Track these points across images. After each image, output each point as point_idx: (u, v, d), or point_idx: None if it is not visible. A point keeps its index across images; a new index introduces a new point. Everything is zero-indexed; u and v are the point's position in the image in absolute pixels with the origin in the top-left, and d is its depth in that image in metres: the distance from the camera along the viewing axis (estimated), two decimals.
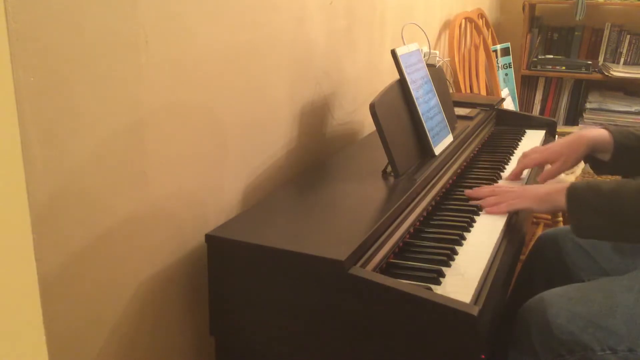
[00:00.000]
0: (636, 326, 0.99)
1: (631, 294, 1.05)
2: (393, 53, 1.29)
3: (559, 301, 1.05)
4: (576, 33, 3.47)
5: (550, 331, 1.01)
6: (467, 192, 1.27)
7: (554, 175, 1.36)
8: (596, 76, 3.30)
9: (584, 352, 0.99)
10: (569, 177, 2.39)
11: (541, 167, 1.45)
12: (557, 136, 1.93)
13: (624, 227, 1.06)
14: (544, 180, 1.36)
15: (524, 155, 1.41)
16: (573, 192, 1.11)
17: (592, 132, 1.34)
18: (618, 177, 1.41)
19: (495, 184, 1.30)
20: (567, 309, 1.03)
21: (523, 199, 1.19)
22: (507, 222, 1.18)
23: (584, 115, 3.38)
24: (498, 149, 1.63)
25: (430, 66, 1.51)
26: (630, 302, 1.03)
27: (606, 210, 1.07)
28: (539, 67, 3.39)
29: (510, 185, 1.33)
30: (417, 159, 1.29)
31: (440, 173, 1.32)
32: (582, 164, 2.43)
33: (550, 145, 1.40)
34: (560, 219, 2.43)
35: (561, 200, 1.11)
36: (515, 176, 1.40)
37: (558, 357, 1.01)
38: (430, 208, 1.21)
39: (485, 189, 1.26)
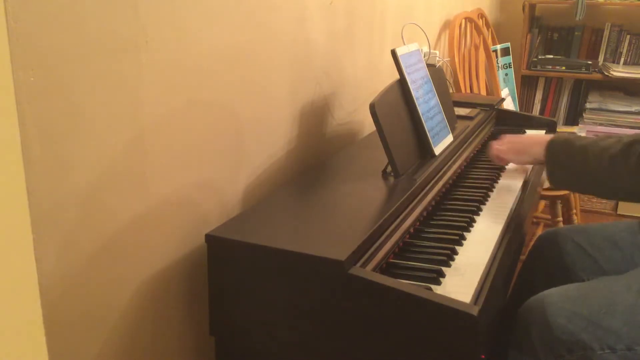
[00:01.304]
0: (635, 325, 0.99)
1: (630, 293, 1.05)
2: (393, 53, 1.29)
3: (558, 301, 1.05)
4: (576, 33, 3.46)
5: (550, 331, 1.02)
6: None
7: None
8: (596, 76, 3.29)
9: (584, 352, 0.99)
10: None
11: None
12: None
13: (589, 183, 1.18)
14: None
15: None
16: (550, 145, 1.23)
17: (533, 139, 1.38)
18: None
19: (498, 140, 1.42)
20: (566, 308, 1.03)
21: (507, 153, 1.36)
22: (507, 222, 1.18)
23: (584, 115, 3.38)
24: None
25: (430, 66, 1.51)
26: (629, 302, 1.03)
27: (574, 166, 1.18)
28: (539, 67, 3.39)
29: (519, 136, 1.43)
30: (417, 159, 1.29)
31: (440, 173, 1.32)
32: None
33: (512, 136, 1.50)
34: (560, 218, 2.43)
35: (539, 152, 1.24)
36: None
37: (558, 356, 1.01)
38: (430, 208, 1.21)
39: (494, 145, 1.40)
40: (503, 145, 1.39)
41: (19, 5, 0.67)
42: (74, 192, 0.78)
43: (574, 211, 2.49)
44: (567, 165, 1.20)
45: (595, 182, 1.16)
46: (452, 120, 1.58)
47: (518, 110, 3.27)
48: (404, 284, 0.86)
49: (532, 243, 1.47)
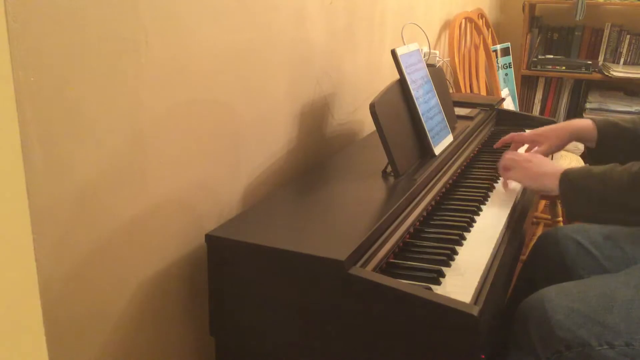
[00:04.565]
0: (634, 321, 0.99)
1: (628, 289, 1.05)
2: (393, 53, 1.29)
3: (556, 297, 1.05)
4: (576, 33, 3.46)
5: (549, 327, 1.02)
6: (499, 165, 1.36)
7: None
8: (596, 76, 3.29)
9: (582, 348, 0.99)
10: (562, 160, 2.40)
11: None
12: None
13: (612, 210, 1.12)
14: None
15: (517, 134, 1.53)
16: (565, 176, 1.18)
17: (577, 122, 1.45)
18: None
19: (513, 152, 1.38)
20: (565, 305, 1.03)
21: (518, 173, 1.29)
22: (507, 222, 1.18)
23: (584, 115, 3.37)
24: (498, 149, 1.63)
25: (430, 66, 1.51)
26: (627, 298, 1.03)
27: (593, 194, 1.12)
28: (539, 67, 3.39)
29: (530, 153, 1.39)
30: (417, 159, 1.29)
31: (440, 173, 1.32)
32: (581, 163, 2.45)
33: (539, 129, 1.51)
34: (560, 218, 2.43)
35: (553, 183, 1.19)
36: (502, 143, 1.54)
37: (556, 352, 1.01)
38: (430, 208, 1.21)
39: (506, 156, 1.35)
40: (516, 164, 1.31)
41: (19, 5, 0.67)
42: (73, 192, 0.78)
43: None
44: (584, 193, 1.13)
45: (617, 208, 1.10)
46: (452, 120, 1.58)
47: (518, 110, 3.27)
48: (404, 284, 0.86)
49: (532, 243, 1.47)
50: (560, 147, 1.47)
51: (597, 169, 1.15)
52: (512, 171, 1.30)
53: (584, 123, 1.43)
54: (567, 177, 1.17)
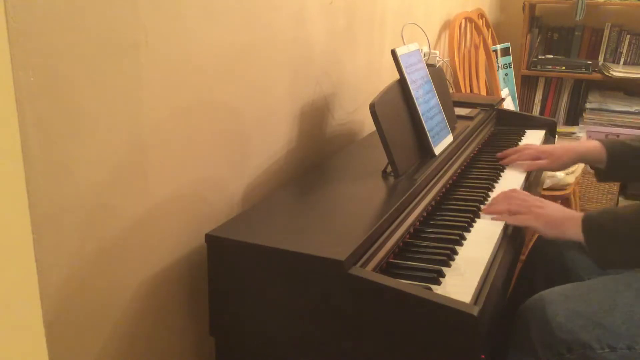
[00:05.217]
0: (635, 324, 0.99)
1: (630, 292, 1.05)
2: (393, 53, 1.29)
3: (558, 300, 1.05)
4: (576, 33, 3.46)
5: (550, 330, 1.02)
6: (484, 209, 1.21)
7: (536, 167, 1.50)
8: (596, 76, 3.29)
9: (583, 350, 0.99)
10: (568, 177, 2.39)
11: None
12: (557, 136, 1.93)
13: None
14: (527, 169, 1.48)
15: (523, 147, 1.54)
16: (588, 220, 1.09)
17: (585, 144, 1.46)
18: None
19: (512, 189, 1.26)
20: (566, 307, 1.03)
21: (533, 218, 1.16)
22: (506, 223, 1.18)
23: (584, 115, 3.38)
24: (498, 149, 1.63)
25: (430, 66, 1.51)
26: (629, 300, 1.03)
27: (623, 239, 1.05)
28: (539, 67, 3.39)
29: (526, 194, 1.26)
30: (417, 159, 1.29)
31: (440, 173, 1.32)
32: (581, 165, 2.45)
33: (547, 146, 1.53)
34: None
35: (575, 231, 1.10)
36: (504, 155, 1.53)
37: (557, 355, 1.01)
38: (430, 208, 1.21)
39: (500, 199, 1.22)
40: (527, 210, 1.18)
41: (19, 5, 0.67)
42: (73, 192, 0.78)
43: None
44: (614, 237, 1.07)
45: None
46: (452, 120, 1.58)
47: (518, 110, 3.27)
48: (404, 284, 0.86)
49: (532, 243, 1.47)
50: (563, 167, 1.49)
51: (621, 210, 1.09)
52: (524, 216, 1.17)
53: (592, 144, 1.44)
54: (593, 223, 1.09)
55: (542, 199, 1.22)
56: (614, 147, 1.41)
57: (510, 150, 1.55)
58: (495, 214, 1.19)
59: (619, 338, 0.98)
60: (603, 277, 1.19)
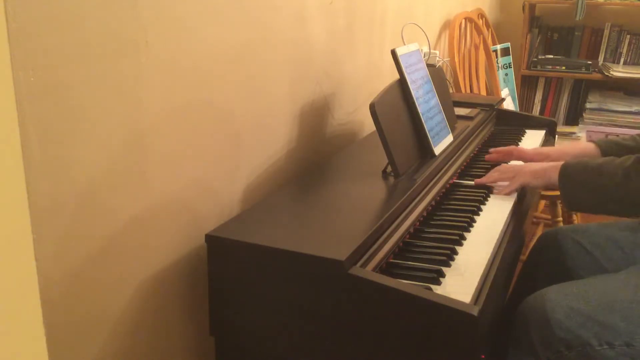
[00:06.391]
0: (634, 321, 1.00)
1: (629, 289, 1.05)
2: (393, 53, 1.29)
3: (557, 297, 1.05)
4: (576, 33, 3.46)
5: (549, 327, 1.02)
6: (477, 180, 1.36)
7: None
8: (596, 76, 3.29)
9: (582, 348, 0.99)
10: None
11: None
12: (557, 136, 1.93)
13: (607, 201, 1.17)
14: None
15: (517, 148, 1.55)
16: (564, 168, 1.23)
17: (579, 145, 1.52)
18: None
19: (502, 164, 1.40)
20: (565, 305, 1.03)
21: (522, 175, 1.31)
22: (507, 222, 1.18)
23: (584, 115, 3.37)
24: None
25: (430, 66, 1.51)
26: (627, 297, 1.03)
27: (590, 185, 1.18)
28: (539, 67, 3.39)
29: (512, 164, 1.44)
30: (417, 159, 1.29)
31: (440, 173, 1.32)
32: None
33: (542, 148, 1.56)
34: (560, 218, 2.43)
35: (554, 176, 1.24)
36: (497, 153, 1.52)
37: (556, 352, 1.01)
38: (430, 208, 1.21)
39: (491, 174, 1.36)
40: (516, 173, 1.33)
41: (19, 5, 0.67)
42: (73, 192, 0.78)
43: None
44: (581, 185, 1.19)
45: (612, 199, 1.15)
46: (452, 120, 1.58)
47: (518, 110, 3.27)
48: (404, 284, 0.86)
49: (532, 243, 1.47)
50: None
51: (594, 162, 1.20)
52: (516, 178, 1.31)
53: (586, 145, 1.47)
54: (567, 171, 1.22)
55: (522, 164, 1.37)
56: (607, 147, 1.43)
57: (503, 149, 1.51)
58: (488, 182, 1.34)
59: (618, 335, 0.99)
60: (602, 275, 1.19)
